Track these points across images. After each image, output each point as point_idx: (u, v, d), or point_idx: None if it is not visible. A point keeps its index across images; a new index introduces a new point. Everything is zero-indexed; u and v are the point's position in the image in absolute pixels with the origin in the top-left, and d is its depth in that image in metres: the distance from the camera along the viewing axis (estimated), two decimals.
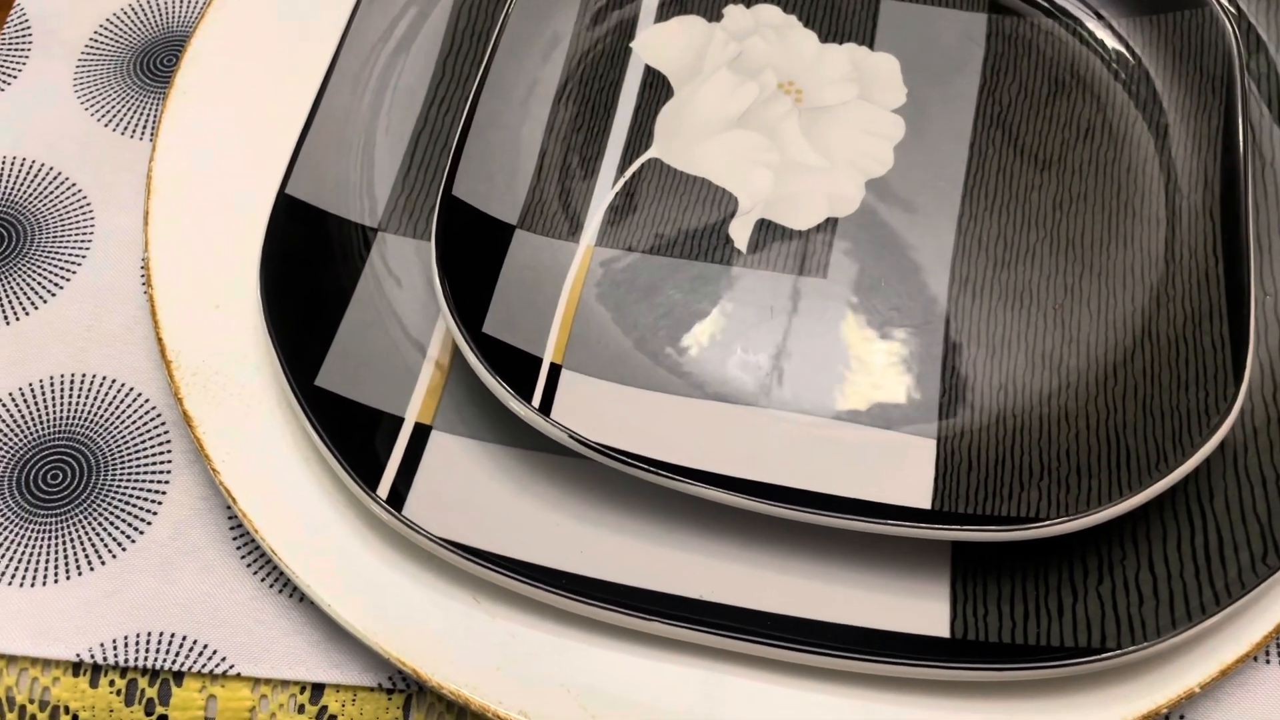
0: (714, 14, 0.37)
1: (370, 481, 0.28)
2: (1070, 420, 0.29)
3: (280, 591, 0.30)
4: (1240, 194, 0.31)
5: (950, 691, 0.27)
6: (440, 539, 0.28)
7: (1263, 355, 0.31)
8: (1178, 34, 0.35)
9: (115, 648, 0.29)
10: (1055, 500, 0.27)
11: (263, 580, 0.30)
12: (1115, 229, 0.33)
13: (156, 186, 0.34)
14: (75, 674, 0.29)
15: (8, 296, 0.34)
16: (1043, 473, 0.28)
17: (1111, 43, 0.36)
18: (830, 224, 0.33)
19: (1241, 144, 0.32)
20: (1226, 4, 0.36)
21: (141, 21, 0.40)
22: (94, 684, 0.29)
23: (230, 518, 0.31)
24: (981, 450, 0.29)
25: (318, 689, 0.29)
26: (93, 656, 0.29)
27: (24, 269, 0.35)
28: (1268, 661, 0.29)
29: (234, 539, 0.31)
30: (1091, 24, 0.36)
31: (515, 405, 0.28)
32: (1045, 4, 0.37)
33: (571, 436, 0.28)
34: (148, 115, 0.38)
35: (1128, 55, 0.36)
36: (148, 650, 0.29)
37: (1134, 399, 0.29)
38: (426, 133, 0.35)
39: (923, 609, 0.28)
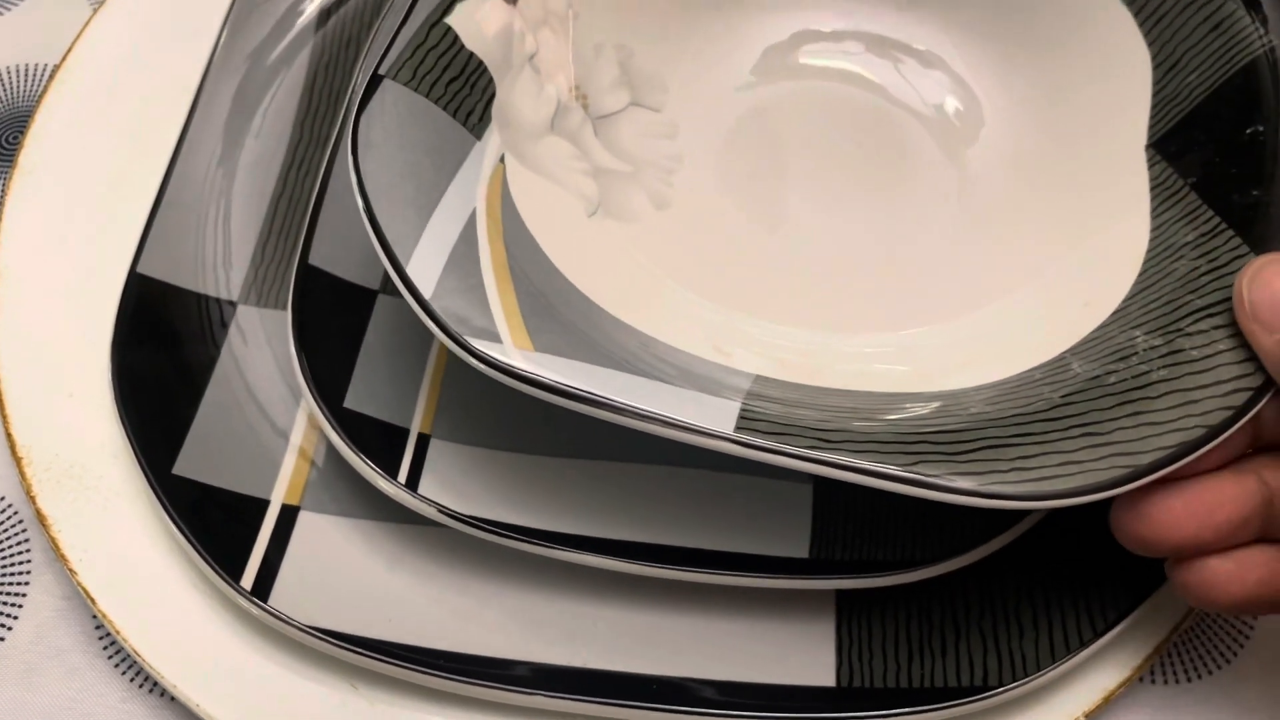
0: None
1: (233, 571, 0.27)
2: None
3: (151, 692, 0.29)
4: None
5: None
6: (309, 628, 0.27)
7: None
8: None
9: None
10: (931, 539, 0.27)
11: (132, 680, 0.29)
12: None
13: (2, 271, 0.33)
14: None
15: None
16: (918, 511, 0.28)
17: None
18: None
19: None
20: None
21: None
22: None
23: (95, 616, 0.30)
24: (858, 491, 0.29)
25: None
26: None
27: None
28: (1153, 682, 0.29)
29: (100, 639, 0.30)
30: None
31: (380, 482, 0.28)
32: None
33: (440, 510, 0.27)
34: None
35: None
36: None
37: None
38: (285, 198, 0.34)
39: (808, 658, 0.27)
